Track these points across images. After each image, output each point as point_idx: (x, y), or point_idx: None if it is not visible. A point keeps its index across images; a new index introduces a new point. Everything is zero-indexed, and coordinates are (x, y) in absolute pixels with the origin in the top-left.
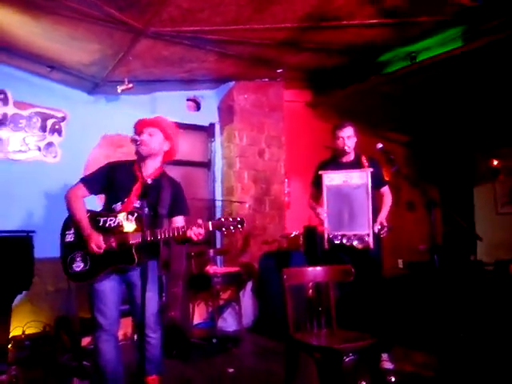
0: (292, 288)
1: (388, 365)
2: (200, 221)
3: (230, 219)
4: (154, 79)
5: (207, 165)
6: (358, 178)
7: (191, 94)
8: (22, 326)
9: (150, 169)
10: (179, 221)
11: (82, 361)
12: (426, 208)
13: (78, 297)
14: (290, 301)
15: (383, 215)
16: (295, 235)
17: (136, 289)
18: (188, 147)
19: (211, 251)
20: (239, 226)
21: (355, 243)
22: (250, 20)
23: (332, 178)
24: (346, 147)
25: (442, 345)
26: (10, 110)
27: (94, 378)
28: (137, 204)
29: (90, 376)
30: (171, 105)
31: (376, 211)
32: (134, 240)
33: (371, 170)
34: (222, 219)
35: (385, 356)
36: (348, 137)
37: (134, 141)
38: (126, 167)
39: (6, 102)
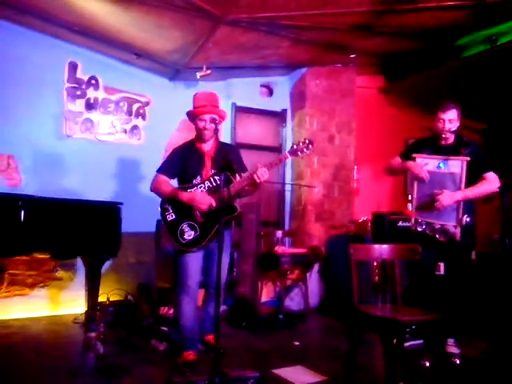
0: (358, 264)
1: (454, 349)
2: (259, 164)
3: (301, 143)
4: (229, 66)
5: (278, 149)
6: (453, 166)
7: (264, 80)
8: (106, 293)
9: (210, 143)
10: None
11: (161, 326)
12: (500, 191)
13: (158, 268)
14: (356, 275)
15: (466, 193)
16: (363, 221)
17: (213, 257)
18: (260, 132)
19: (279, 232)
20: (310, 146)
21: (438, 236)
22: (325, 4)
23: (426, 163)
24: (445, 131)
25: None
26: (101, 94)
27: (173, 336)
28: (212, 172)
29: (167, 339)
30: (245, 91)
31: (470, 202)
32: (226, 193)
33: (468, 159)
34: (294, 145)
35: (451, 341)
36: (450, 120)
37: (213, 121)
38: (190, 147)
39: (96, 87)
